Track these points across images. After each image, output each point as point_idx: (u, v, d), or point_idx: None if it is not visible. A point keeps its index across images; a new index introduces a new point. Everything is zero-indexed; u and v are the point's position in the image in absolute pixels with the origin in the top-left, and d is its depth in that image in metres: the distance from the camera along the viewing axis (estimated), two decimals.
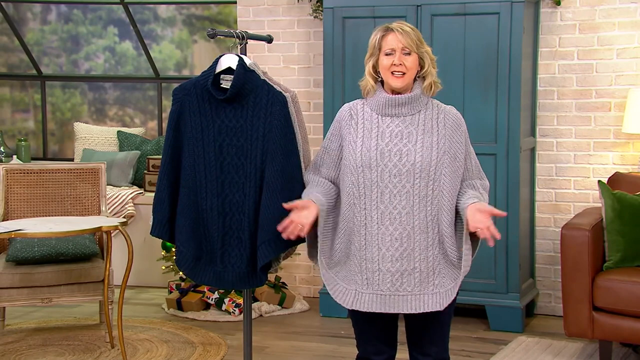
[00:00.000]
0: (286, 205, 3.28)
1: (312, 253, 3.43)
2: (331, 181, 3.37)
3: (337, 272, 3.31)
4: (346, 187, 3.28)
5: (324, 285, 3.51)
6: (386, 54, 3.24)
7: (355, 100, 3.37)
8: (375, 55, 3.27)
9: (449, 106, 3.34)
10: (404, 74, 3.23)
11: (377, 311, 3.25)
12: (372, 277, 3.23)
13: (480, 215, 3.15)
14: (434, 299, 3.24)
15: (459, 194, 3.26)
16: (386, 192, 3.21)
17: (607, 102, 5.63)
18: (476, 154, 3.40)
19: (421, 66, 3.27)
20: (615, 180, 5.14)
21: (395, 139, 3.23)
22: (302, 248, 4.90)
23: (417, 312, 3.24)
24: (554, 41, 5.71)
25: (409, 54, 3.23)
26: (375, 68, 3.28)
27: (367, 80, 3.29)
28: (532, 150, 5.74)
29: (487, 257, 5.43)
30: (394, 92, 3.27)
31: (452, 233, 3.24)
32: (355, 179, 3.24)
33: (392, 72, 3.23)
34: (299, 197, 3.48)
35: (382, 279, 3.23)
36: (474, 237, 3.25)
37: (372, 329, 3.36)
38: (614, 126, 5.60)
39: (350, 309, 3.29)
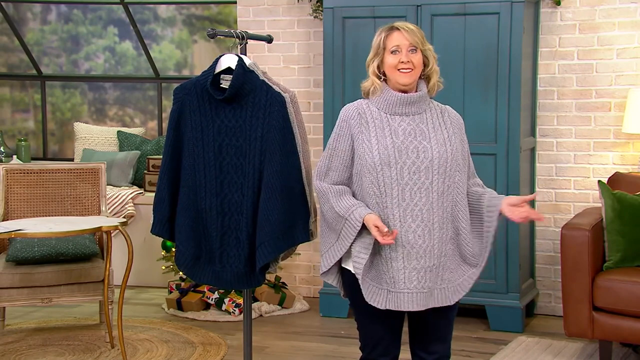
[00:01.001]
0: (385, 242, 3.16)
1: (332, 271, 3.37)
2: (342, 185, 3.33)
3: (367, 273, 3.25)
4: (365, 188, 3.24)
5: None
6: (392, 52, 3.24)
7: (357, 101, 3.35)
8: (380, 54, 3.27)
9: (447, 105, 3.38)
10: (411, 70, 3.23)
11: (406, 309, 3.23)
12: (397, 276, 3.21)
13: (517, 208, 3.24)
14: (443, 294, 3.26)
15: (469, 193, 3.32)
16: (407, 189, 3.20)
17: (607, 102, 5.63)
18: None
19: (425, 64, 3.28)
20: (615, 180, 5.14)
21: (409, 137, 3.23)
22: (301, 248, 4.90)
23: (424, 309, 3.24)
24: (554, 41, 5.71)
25: (415, 51, 3.24)
26: (379, 68, 3.28)
27: (373, 80, 3.28)
28: (532, 150, 5.74)
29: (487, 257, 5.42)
30: (401, 91, 3.28)
31: (469, 229, 3.28)
32: (374, 178, 3.22)
33: (399, 70, 3.23)
34: (297, 197, 3.47)
35: (408, 277, 3.21)
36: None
37: (383, 329, 3.33)
38: (614, 126, 5.60)
39: (383, 309, 3.25)
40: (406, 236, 3.21)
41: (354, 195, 3.29)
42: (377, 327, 3.34)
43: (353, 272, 3.26)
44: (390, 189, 3.21)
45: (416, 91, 3.28)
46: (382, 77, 3.29)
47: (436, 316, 3.31)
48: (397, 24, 3.28)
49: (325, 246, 3.35)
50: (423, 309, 3.24)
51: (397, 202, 3.20)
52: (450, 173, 3.24)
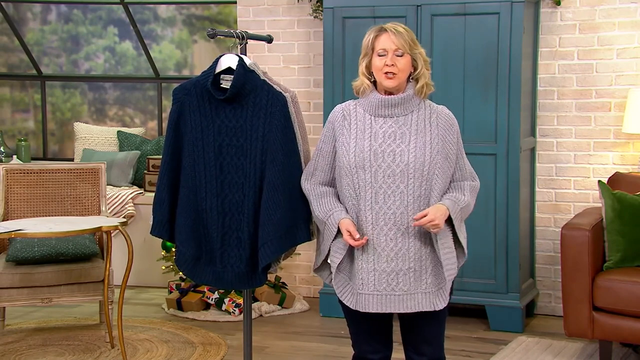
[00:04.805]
0: (356, 244, 3.22)
1: (324, 268, 3.44)
2: (328, 185, 3.38)
3: (342, 273, 3.33)
4: (343, 189, 3.30)
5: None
6: (379, 55, 3.25)
7: (347, 102, 3.40)
8: (369, 55, 3.29)
9: (441, 106, 3.35)
10: (394, 74, 3.24)
11: (373, 311, 3.25)
12: (366, 278, 3.25)
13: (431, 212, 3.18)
14: (427, 297, 3.26)
15: (445, 194, 3.29)
16: (380, 193, 3.22)
17: (607, 102, 5.63)
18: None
19: (414, 67, 3.28)
20: (615, 180, 5.14)
21: (388, 140, 3.24)
22: (302, 248, 4.90)
23: (412, 312, 3.25)
24: (554, 41, 5.71)
25: (401, 55, 3.24)
26: (368, 68, 3.30)
27: (362, 80, 3.31)
28: (532, 150, 5.74)
29: (487, 257, 5.43)
30: (387, 92, 3.28)
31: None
32: (350, 180, 3.26)
33: (384, 73, 3.24)
34: (299, 197, 3.48)
35: (377, 279, 3.24)
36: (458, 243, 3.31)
37: (368, 329, 3.37)
38: (614, 126, 5.60)
39: (353, 309, 3.29)
40: (378, 239, 3.24)
41: (338, 197, 3.34)
42: (362, 327, 3.39)
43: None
44: (364, 192, 3.24)
45: (403, 92, 3.28)
46: (372, 78, 3.31)
47: (423, 318, 3.32)
48: (387, 25, 3.29)
49: (317, 244, 3.45)
50: (395, 312, 3.27)
51: (370, 205, 3.23)
52: (429, 177, 3.23)
